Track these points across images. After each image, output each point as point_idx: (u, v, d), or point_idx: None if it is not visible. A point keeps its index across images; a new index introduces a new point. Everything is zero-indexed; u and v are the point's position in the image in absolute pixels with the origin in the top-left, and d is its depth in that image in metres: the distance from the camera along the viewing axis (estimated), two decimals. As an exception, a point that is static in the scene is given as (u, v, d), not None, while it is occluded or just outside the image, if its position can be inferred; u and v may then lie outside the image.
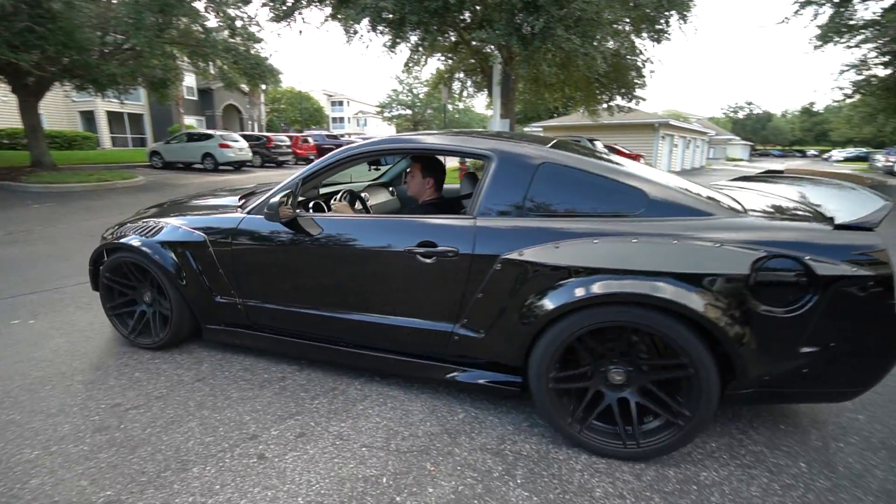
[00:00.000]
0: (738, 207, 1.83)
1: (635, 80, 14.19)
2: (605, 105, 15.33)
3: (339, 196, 2.99)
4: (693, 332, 1.60)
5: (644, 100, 14.83)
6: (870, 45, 11.62)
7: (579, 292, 1.67)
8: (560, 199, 1.87)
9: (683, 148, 26.19)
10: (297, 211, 2.15)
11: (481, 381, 2.03)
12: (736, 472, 1.72)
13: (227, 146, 15.64)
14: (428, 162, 2.51)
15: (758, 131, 70.89)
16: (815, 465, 1.75)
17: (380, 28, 10.20)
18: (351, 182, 3.47)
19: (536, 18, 8.08)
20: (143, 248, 2.48)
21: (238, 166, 16.54)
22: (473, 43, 11.43)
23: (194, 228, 2.44)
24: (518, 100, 18.04)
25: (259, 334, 2.45)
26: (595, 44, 9.44)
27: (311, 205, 2.58)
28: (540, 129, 26.29)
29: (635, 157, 17.50)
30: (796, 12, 12.12)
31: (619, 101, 15.07)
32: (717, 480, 1.68)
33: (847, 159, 40.52)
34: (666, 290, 1.58)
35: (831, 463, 1.76)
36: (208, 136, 16.05)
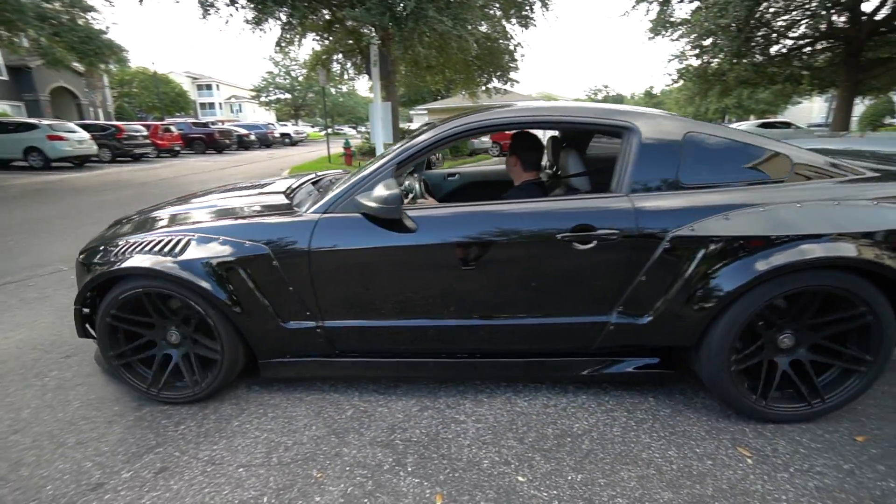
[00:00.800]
0: (853, 168, 1.89)
1: (509, 64, 14.95)
2: (483, 87, 15.89)
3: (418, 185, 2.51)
4: (879, 289, 1.63)
5: (518, 82, 15.81)
6: (685, 40, 13.73)
7: (775, 260, 1.59)
8: (710, 169, 1.77)
9: (554, 127, 28.56)
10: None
11: (630, 370, 1.91)
12: (602, 417, 1.90)
13: (60, 138, 12.84)
14: (531, 140, 2.26)
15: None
16: (660, 397, 2.02)
17: (240, 2, 9.11)
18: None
19: (408, -1, 7.92)
20: (175, 272, 1.81)
21: (79, 162, 13.75)
22: (348, 22, 10.85)
23: (249, 239, 1.85)
24: (400, 82, 17.83)
25: (345, 360, 2.00)
26: (469, 28, 9.62)
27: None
28: (424, 111, 26.39)
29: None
30: (633, 7, 13.74)
31: (495, 83, 15.76)
32: (587, 428, 1.83)
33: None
34: (856, 250, 1.58)
35: (671, 393, 2.05)
36: (31, 126, 12.94)
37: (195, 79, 55.90)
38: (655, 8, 13.32)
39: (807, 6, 12.11)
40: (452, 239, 1.79)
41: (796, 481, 1.53)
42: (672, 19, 13.29)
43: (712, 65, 14.02)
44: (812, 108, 33.16)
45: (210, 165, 14.95)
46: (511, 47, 14.41)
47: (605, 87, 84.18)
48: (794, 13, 12.48)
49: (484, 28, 12.84)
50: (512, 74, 15.44)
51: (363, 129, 38.34)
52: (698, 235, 1.67)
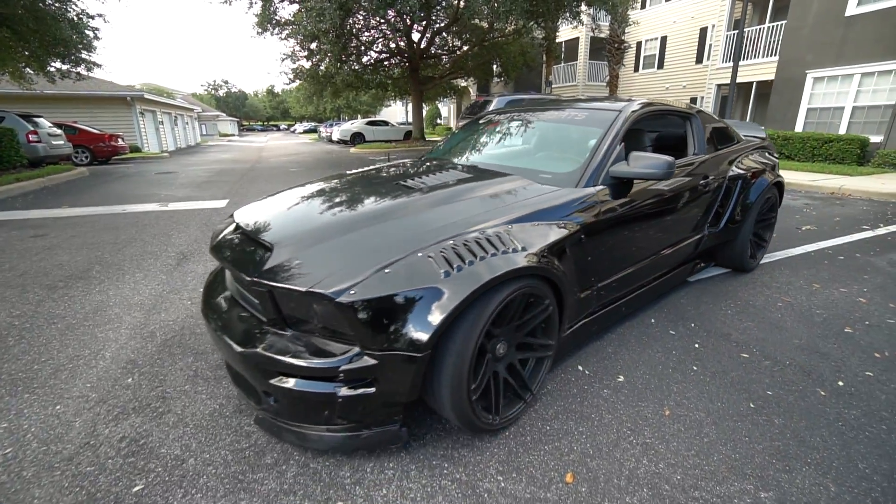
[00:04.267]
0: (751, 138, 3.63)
1: (77, 40, 10.55)
2: (36, 70, 10.66)
3: None
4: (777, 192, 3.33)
5: (100, 66, 11.47)
6: (293, 40, 13.78)
7: (768, 180, 3.16)
8: (720, 138, 3.06)
9: (171, 125, 23.46)
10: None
11: (703, 266, 3.09)
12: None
13: None
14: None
15: (239, 108, 75.37)
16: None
17: None
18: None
19: None
20: (542, 265, 1.56)
21: None
22: None
23: (562, 219, 1.79)
24: None
25: (601, 313, 2.13)
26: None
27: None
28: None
29: (109, 138, 13.56)
30: (233, -3, 12.44)
31: (59, 65, 10.92)
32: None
33: (306, 131, 50.34)
34: (773, 176, 3.32)
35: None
36: None
37: None
38: (259, 2, 12.60)
39: (379, 27, 14.60)
40: (667, 188, 2.34)
41: None
42: (278, 18, 12.97)
43: (322, 67, 14.89)
44: (399, 111, 41.80)
45: None
46: (74, 17, 10.17)
47: (226, 82, 77.40)
48: (374, 31, 14.81)
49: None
50: (88, 55, 11.03)
51: None
52: (735, 174, 2.94)
